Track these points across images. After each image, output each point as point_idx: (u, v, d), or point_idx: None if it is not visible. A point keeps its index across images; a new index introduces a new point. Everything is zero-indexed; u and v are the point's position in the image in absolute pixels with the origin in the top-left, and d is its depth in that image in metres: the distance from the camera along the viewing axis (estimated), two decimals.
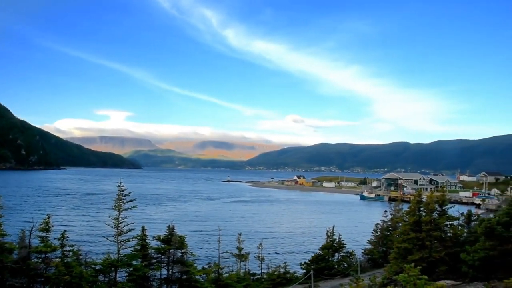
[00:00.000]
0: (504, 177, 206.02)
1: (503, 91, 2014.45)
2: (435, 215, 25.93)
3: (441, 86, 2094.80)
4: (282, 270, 33.89)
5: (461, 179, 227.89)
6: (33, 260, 19.25)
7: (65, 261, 20.86)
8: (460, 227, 29.14)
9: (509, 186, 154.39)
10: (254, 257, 35.98)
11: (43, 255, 19.42)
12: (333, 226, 37.32)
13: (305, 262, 35.95)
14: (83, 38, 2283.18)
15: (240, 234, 33.30)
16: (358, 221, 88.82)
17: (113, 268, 21.85)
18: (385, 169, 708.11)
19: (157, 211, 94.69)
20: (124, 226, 22.23)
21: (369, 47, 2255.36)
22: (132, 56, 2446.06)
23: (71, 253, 22.41)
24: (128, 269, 22.68)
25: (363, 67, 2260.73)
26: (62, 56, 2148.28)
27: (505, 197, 69.61)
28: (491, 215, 34.60)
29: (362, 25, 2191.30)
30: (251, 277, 33.24)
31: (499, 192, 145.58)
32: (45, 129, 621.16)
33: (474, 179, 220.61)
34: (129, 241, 22.69)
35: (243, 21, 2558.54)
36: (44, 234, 20.12)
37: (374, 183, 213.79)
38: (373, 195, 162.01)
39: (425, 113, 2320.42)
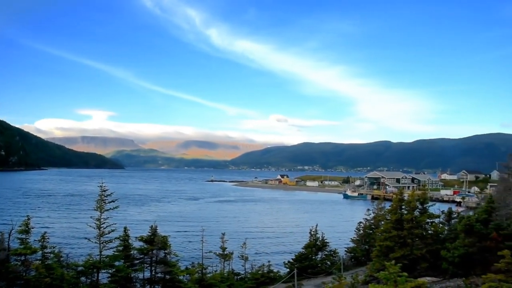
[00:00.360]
0: (483, 175, 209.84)
1: (482, 92, 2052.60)
2: (416, 213, 26.31)
3: (423, 87, 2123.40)
4: (266, 269, 33.94)
5: (442, 177, 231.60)
6: (12, 263, 18.94)
7: (46, 263, 20.59)
8: (440, 225, 29.60)
9: (488, 184, 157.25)
10: (238, 256, 35.93)
11: (22, 258, 19.13)
12: (316, 225, 37.52)
13: (288, 261, 36.06)
14: (63, 36, 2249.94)
15: (223, 234, 33.24)
16: (341, 219, 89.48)
17: (95, 270, 21.61)
18: (368, 168, 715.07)
19: (140, 211, 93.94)
20: (106, 227, 22.01)
21: (352, 48, 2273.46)
22: (114, 55, 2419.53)
23: (52, 255, 22.13)
24: (110, 270, 22.47)
25: (347, 67, 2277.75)
26: (42, 54, 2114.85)
27: (484, 195, 70.84)
28: (471, 213, 35.24)
29: (346, 25, 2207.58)
30: (235, 277, 33.23)
31: (478, 190, 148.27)
32: (25, 129, 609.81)
33: (455, 177, 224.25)
34: (111, 242, 22.47)
35: (226, 20, 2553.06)
36: (23, 236, 19.80)
37: (357, 182, 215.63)
38: (356, 194, 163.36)
39: (407, 113, 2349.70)
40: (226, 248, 33.26)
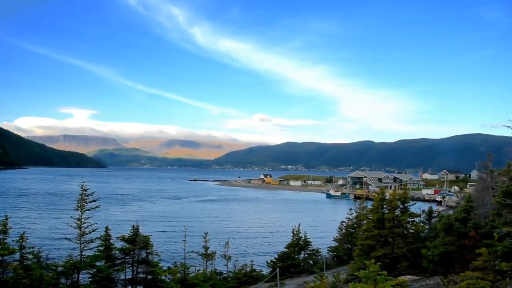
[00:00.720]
0: (463, 175, 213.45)
1: (463, 93, 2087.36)
2: (397, 212, 26.60)
3: (404, 87, 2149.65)
4: (248, 269, 33.94)
5: (423, 177, 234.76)
6: None
7: (24, 263, 20.27)
8: (421, 224, 30.05)
9: (468, 183, 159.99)
10: (221, 256, 35.90)
11: (0, 258, 18.77)
12: (299, 225, 37.69)
13: (271, 261, 36.13)
14: (44, 34, 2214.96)
15: (206, 233, 33.15)
16: (324, 219, 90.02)
17: (75, 270, 21.34)
18: (351, 167, 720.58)
19: (122, 211, 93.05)
20: (87, 226, 21.76)
21: (335, 48, 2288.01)
22: (96, 53, 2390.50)
23: (30, 255, 21.80)
24: (91, 271, 22.23)
25: (330, 67, 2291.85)
26: (22, 52, 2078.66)
27: (463, 194, 72.10)
28: (451, 212, 35.84)
29: (328, 25, 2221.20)
30: (218, 276, 33.18)
31: (458, 189, 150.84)
32: (4, 127, 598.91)
33: (436, 177, 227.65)
34: (92, 242, 22.23)
35: (210, 19, 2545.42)
36: (1, 236, 19.43)
37: (340, 182, 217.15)
38: (339, 193, 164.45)
39: (389, 113, 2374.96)
40: (208, 247, 33.19)
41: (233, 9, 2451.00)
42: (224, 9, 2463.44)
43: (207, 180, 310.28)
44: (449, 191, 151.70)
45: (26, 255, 21.23)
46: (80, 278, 21.74)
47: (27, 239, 21.49)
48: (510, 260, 12.87)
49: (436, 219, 30.18)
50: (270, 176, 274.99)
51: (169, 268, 28.31)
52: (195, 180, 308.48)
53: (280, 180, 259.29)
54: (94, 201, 22.39)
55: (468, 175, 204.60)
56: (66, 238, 23.28)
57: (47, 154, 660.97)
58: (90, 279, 22.08)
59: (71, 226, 21.82)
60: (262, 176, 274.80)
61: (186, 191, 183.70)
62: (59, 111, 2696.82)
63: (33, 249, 22.38)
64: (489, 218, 21.42)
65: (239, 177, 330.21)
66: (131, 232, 24.80)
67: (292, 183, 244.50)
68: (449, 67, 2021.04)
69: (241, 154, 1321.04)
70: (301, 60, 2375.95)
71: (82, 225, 21.52)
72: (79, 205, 21.76)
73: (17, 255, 20.29)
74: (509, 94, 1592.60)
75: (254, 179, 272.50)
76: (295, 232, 36.86)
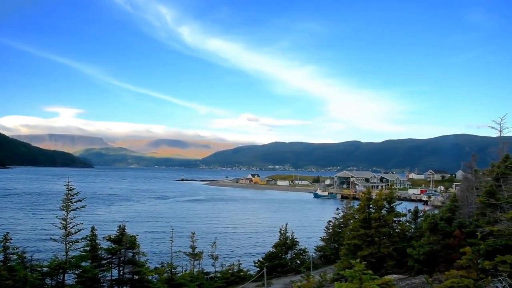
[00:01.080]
0: (449, 175, 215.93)
1: (449, 93, 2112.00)
2: (383, 212, 26.82)
3: (391, 87, 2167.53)
4: (235, 269, 33.93)
5: (410, 177, 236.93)
6: None
7: (8, 264, 20.01)
8: (407, 223, 30.32)
9: (454, 183, 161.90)
10: (208, 256, 35.82)
11: None
12: (286, 224, 37.78)
13: (258, 260, 36.17)
14: (30, 32, 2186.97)
15: (193, 233, 33.04)
16: (311, 218, 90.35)
17: (61, 271, 21.14)
18: (338, 167, 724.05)
19: (108, 211, 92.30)
20: (73, 226, 21.57)
21: (323, 48, 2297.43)
22: (83, 51, 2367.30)
23: (14, 256, 21.52)
24: (76, 271, 22.03)
25: (317, 68, 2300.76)
26: (7, 49, 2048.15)
27: (448, 194, 72.90)
28: (436, 211, 36.25)
29: (316, 25, 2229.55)
30: (205, 276, 33.10)
31: (443, 189, 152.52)
32: None
33: (422, 177, 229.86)
34: (78, 242, 22.04)
35: (198, 18, 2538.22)
36: None
37: (327, 181, 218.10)
38: (326, 193, 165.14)
39: (376, 113, 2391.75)
40: (196, 247, 33.08)
41: (221, 9, 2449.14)
42: (213, 9, 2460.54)
43: (194, 180, 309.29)
44: (435, 191, 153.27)
45: (10, 256, 20.98)
46: (65, 279, 21.53)
47: (11, 239, 21.25)
48: (492, 259, 13.08)
49: (422, 218, 30.48)
50: (258, 176, 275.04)
51: (156, 268, 28.19)
52: (182, 179, 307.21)
53: (267, 180, 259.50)
54: (80, 201, 22.20)
55: (454, 175, 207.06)
56: (51, 239, 23.02)
57: (32, 153, 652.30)
58: (76, 279, 21.88)
59: (56, 226, 21.60)
60: (249, 176, 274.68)
61: (173, 191, 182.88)
62: (45, 110, 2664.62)
63: (17, 250, 22.12)
64: (473, 217, 21.70)
65: (226, 176, 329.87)
66: (117, 232, 24.63)
67: (279, 183, 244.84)
68: (435, 68, 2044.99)
69: (229, 154, 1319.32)
70: (289, 60, 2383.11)
71: (68, 225, 21.32)
72: (64, 205, 21.55)
73: (0, 256, 20.04)
74: (494, 95, 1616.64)
75: (242, 179, 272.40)
76: (282, 231, 36.95)
